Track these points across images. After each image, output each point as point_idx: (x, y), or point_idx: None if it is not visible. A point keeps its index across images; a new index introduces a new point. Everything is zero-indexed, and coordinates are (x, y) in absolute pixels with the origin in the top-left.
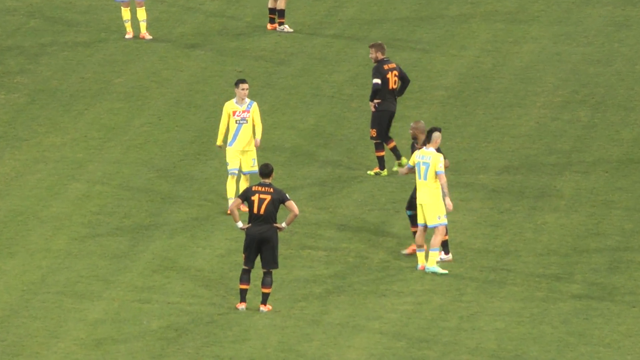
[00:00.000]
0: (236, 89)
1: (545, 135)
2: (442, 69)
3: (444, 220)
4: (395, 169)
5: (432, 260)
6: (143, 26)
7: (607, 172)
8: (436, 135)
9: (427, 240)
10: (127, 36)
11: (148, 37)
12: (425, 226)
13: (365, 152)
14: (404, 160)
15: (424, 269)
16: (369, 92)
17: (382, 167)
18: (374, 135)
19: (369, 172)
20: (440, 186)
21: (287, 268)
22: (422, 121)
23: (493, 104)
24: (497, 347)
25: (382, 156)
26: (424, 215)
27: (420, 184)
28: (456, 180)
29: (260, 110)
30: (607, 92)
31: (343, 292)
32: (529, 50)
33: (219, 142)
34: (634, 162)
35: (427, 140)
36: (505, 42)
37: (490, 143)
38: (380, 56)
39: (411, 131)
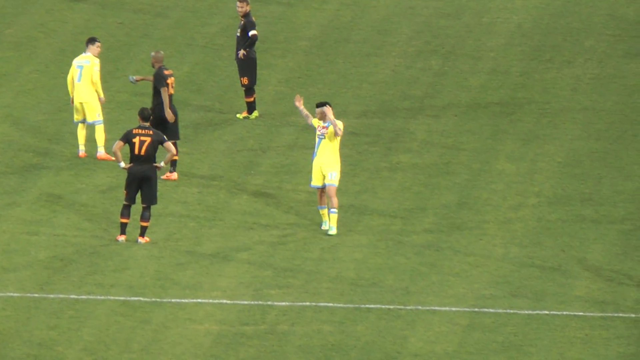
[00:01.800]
0: (93, 46)
1: (400, 82)
2: (305, 21)
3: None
4: (239, 116)
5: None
6: None
7: (456, 115)
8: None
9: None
10: None
11: None
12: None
13: (235, 97)
14: (255, 113)
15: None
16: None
17: (250, 112)
18: (246, 83)
19: (238, 115)
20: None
21: (163, 203)
22: (162, 52)
23: (352, 54)
24: (356, 276)
25: (251, 102)
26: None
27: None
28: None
29: (135, 60)
30: (457, 42)
31: (214, 226)
32: (385, 4)
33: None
34: (481, 107)
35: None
36: None
37: (350, 89)
38: (249, 9)
39: (152, 60)
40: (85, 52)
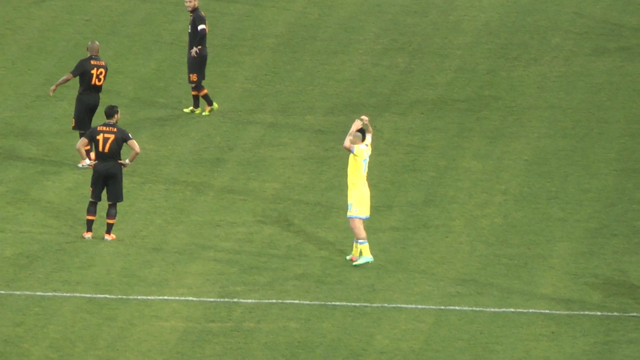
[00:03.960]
0: None
1: (367, 79)
2: (273, 19)
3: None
4: (203, 112)
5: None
6: None
7: (422, 113)
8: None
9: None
10: None
11: None
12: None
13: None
14: (216, 103)
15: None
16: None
17: (210, 103)
18: (195, 80)
19: (202, 112)
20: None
21: (130, 200)
22: (97, 42)
23: (319, 51)
24: (322, 273)
25: (206, 94)
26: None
27: (364, 177)
28: (285, 121)
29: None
30: (424, 40)
31: (181, 222)
32: (352, 1)
33: None
34: (447, 105)
35: (364, 137)
36: None
37: (317, 87)
38: (196, 4)
39: (88, 50)
40: None
